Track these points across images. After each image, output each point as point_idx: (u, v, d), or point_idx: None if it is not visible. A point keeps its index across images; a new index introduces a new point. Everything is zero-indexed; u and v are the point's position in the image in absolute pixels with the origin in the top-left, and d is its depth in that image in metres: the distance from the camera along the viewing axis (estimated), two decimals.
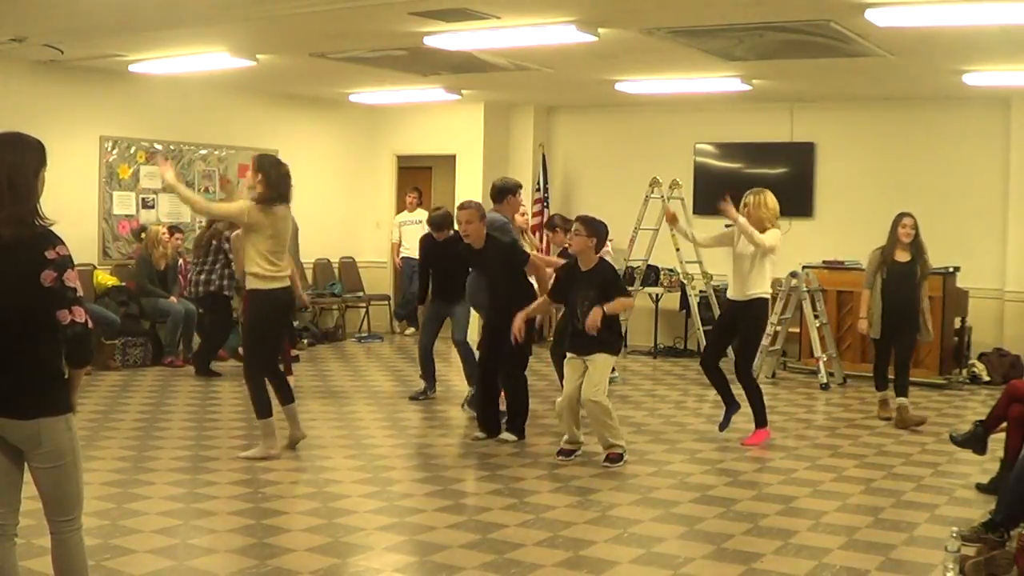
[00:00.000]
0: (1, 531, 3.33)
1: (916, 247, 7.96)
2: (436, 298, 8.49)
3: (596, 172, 12.85)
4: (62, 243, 3.22)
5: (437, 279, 8.43)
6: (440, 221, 8.43)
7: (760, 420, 7.25)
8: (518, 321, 6.69)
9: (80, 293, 3.24)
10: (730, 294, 7.28)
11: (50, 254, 3.15)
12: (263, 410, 6.50)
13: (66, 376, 3.33)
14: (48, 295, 3.15)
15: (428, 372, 8.76)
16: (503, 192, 7.86)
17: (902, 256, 7.96)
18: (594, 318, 6.37)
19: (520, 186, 8.13)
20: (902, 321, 7.91)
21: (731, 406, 7.33)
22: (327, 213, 12.75)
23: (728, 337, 7.51)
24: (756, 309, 7.18)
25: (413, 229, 12.55)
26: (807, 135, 11.65)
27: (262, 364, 6.53)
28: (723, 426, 7.36)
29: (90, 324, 3.27)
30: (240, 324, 9.70)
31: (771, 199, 7.16)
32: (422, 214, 12.07)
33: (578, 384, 6.51)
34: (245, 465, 6.31)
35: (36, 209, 3.21)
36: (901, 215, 8.01)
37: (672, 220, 7.86)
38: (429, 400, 8.68)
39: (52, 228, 3.25)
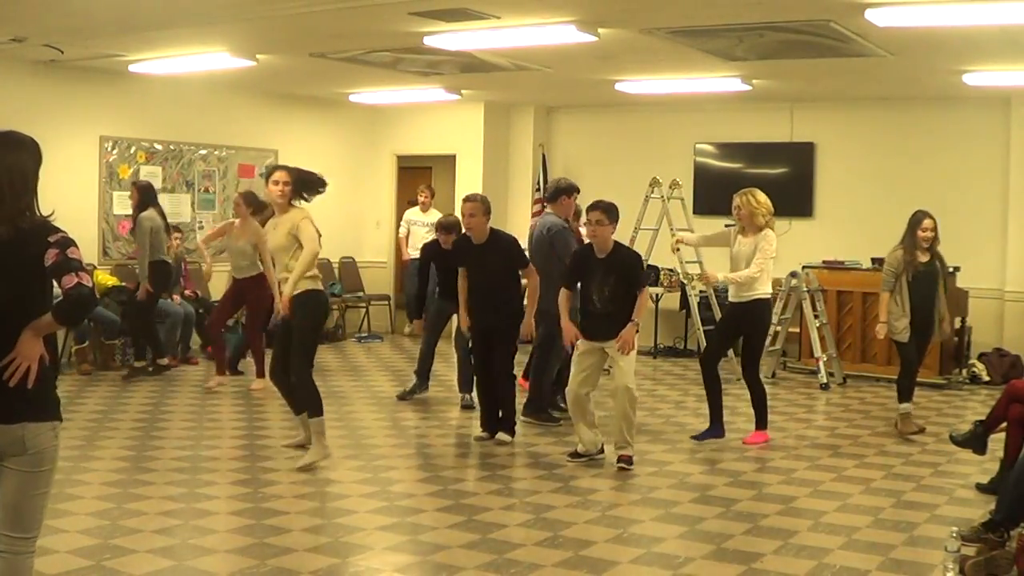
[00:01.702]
0: None
1: (934, 249, 7.67)
2: (442, 296, 8.49)
3: (596, 172, 12.83)
4: (63, 230, 3.19)
5: (444, 278, 8.38)
6: (451, 225, 8.23)
7: (761, 422, 7.25)
8: (567, 329, 6.64)
9: (85, 265, 3.16)
10: (731, 297, 7.28)
11: (52, 237, 3.13)
12: (319, 407, 6.38)
13: (54, 382, 3.22)
14: (51, 272, 3.10)
15: (425, 369, 8.78)
16: (557, 193, 7.83)
17: (923, 257, 7.60)
18: (628, 339, 6.35)
19: (577, 189, 8.04)
20: (925, 325, 7.62)
21: (715, 426, 7.25)
22: (327, 213, 12.65)
23: (730, 340, 7.53)
24: (758, 310, 7.15)
25: (421, 232, 12.44)
26: (807, 135, 11.65)
27: (310, 364, 6.44)
28: (698, 437, 7.30)
29: (96, 294, 3.16)
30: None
31: (762, 196, 7.10)
32: (435, 215, 11.66)
33: (584, 378, 6.49)
34: (245, 465, 6.32)
35: (32, 205, 3.18)
36: (922, 215, 7.61)
37: (676, 247, 7.89)
38: (422, 399, 8.68)
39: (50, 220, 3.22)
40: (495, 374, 7.14)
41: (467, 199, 7.22)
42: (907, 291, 7.55)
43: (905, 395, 7.62)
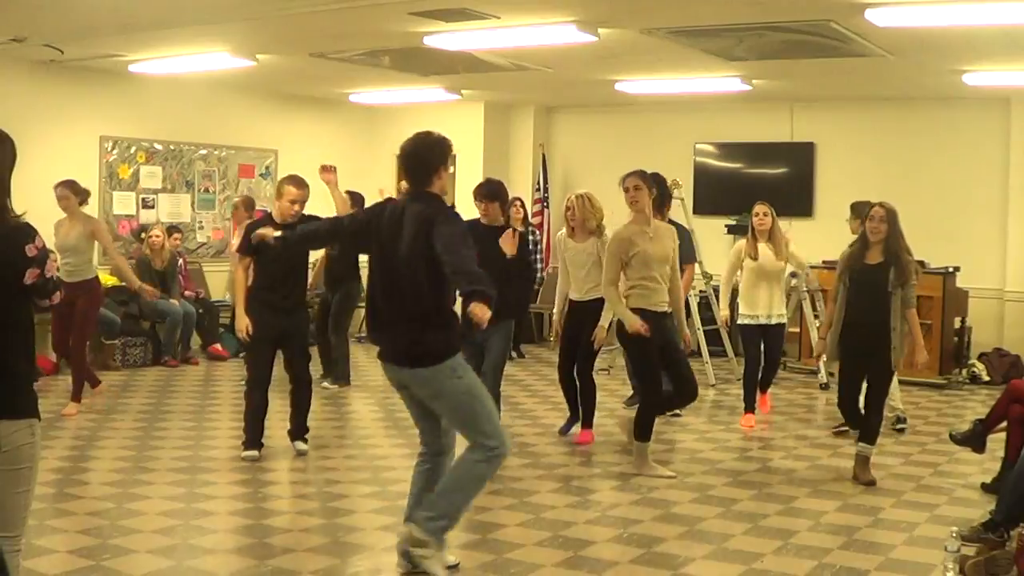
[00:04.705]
0: None
1: (889, 246, 6.02)
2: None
3: (596, 172, 12.79)
4: (38, 234, 3.08)
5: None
6: (493, 192, 7.10)
7: (587, 420, 7.15)
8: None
9: (59, 277, 3.17)
10: (577, 297, 7.08)
11: (30, 250, 3.01)
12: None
13: (31, 380, 3.16)
14: (31, 291, 3.03)
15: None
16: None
17: (873, 258, 6.08)
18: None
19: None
20: (870, 344, 6.01)
21: (574, 416, 7.32)
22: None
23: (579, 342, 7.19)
24: (599, 309, 6.94)
25: None
26: (807, 135, 11.65)
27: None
28: (564, 430, 7.38)
29: (56, 279, 3.13)
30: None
31: (596, 202, 7.04)
32: None
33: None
34: (245, 465, 6.32)
35: (6, 206, 3.05)
36: (870, 205, 6.18)
37: None
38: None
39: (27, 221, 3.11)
40: (298, 384, 6.70)
41: (294, 179, 6.75)
42: (841, 299, 6.15)
43: (863, 436, 6.22)
